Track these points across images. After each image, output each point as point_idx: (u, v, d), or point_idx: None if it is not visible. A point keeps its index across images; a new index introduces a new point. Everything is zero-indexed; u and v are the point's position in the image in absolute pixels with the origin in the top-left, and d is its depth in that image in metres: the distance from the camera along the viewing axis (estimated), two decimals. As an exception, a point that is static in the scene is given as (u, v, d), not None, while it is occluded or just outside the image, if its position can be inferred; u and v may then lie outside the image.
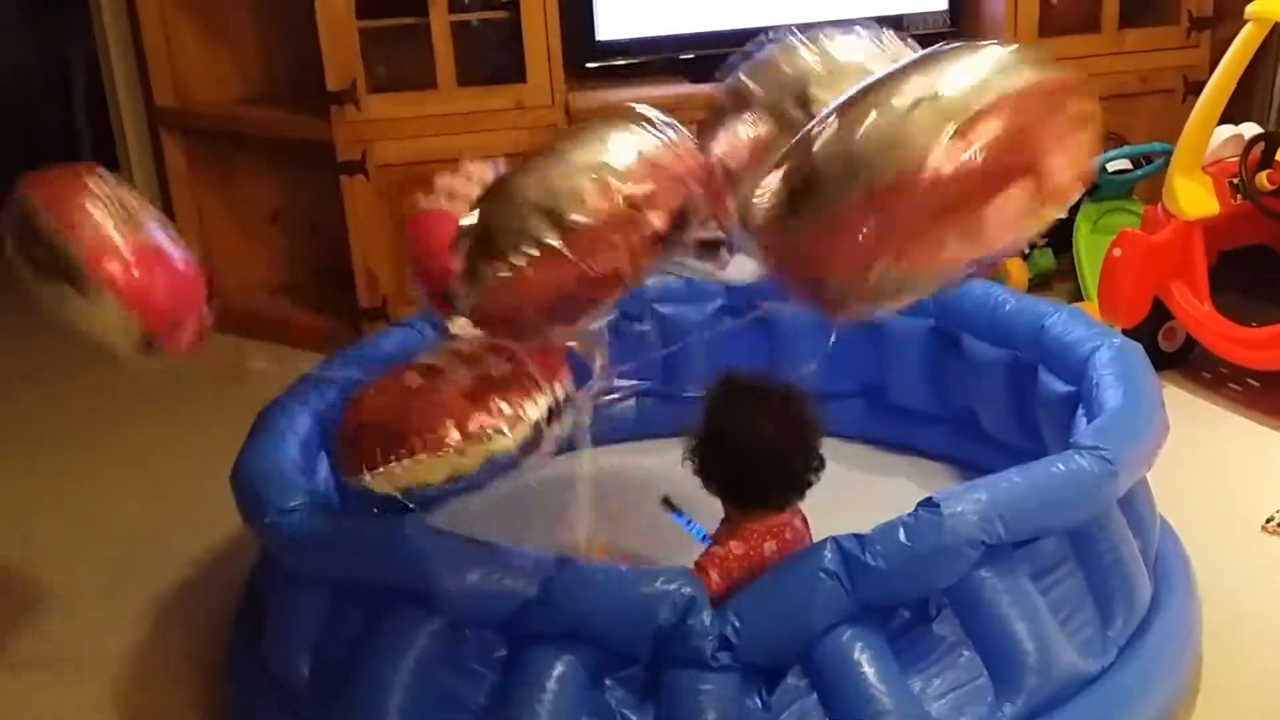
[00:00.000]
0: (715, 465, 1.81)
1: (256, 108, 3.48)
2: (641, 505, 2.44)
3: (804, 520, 1.85)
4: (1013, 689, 1.67)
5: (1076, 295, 3.31)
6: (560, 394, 1.80)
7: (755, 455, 1.77)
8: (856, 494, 2.37)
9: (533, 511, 2.49)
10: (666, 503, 2.02)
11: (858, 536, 1.66)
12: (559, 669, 1.64)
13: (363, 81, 3.15)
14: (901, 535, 1.66)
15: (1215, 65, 2.85)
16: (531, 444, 1.76)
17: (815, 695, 1.64)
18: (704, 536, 1.95)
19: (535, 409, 1.75)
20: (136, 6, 3.41)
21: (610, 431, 2.72)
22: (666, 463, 2.70)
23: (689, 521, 1.98)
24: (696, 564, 1.78)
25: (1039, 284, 3.45)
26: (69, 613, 2.32)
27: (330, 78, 3.13)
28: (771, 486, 1.79)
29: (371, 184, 3.22)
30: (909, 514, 1.69)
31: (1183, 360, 2.96)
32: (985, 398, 2.43)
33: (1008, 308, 2.36)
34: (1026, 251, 3.45)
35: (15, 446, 2.99)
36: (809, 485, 1.80)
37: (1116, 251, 2.84)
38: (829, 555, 1.65)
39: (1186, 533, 2.16)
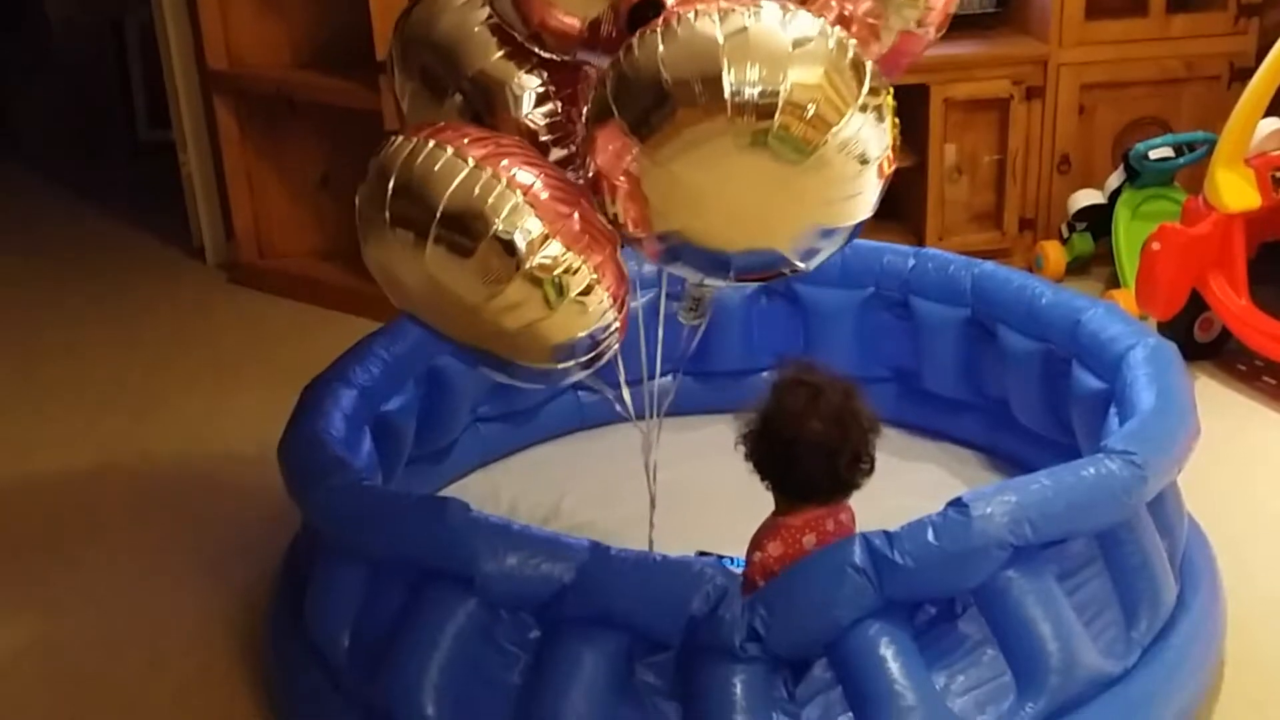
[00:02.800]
0: (765, 455, 1.84)
1: (307, 74, 3.51)
2: (678, 479, 2.49)
3: (851, 515, 1.88)
4: (1035, 688, 1.71)
5: (1114, 280, 3.32)
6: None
7: (803, 452, 1.79)
8: (886, 479, 2.36)
9: (569, 486, 2.56)
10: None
11: (887, 534, 1.69)
12: (591, 652, 1.69)
13: (411, 51, 3.17)
14: (930, 535, 1.68)
15: (1263, 53, 2.83)
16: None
17: (840, 688, 1.68)
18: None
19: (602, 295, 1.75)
20: (191, -31, 3.45)
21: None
22: (701, 439, 2.75)
23: (732, 560, 2.01)
24: (744, 576, 1.81)
25: (1077, 268, 3.45)
26: (114, 576, 2.38)
27: (380, 46, 3.16)
28: (817, 483, 1.82)
29: (417, 153, 3.25)
30: (938, 514, 1.72)
31: (1217, 351, 2.96)
32: (1018, 389, 2.45)
33: (1044, 300, 2.37)
34: (1065, 235, 3.45)
35: (66, 411, 3.05)
36: (856, 485, 1.83)
37: (1155, 245, 2.84)
38: (857, 552, 1.68)
39: (1213, 528, 2.18)
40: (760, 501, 1.95)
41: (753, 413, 1.85)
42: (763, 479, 1.85)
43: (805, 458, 1.80)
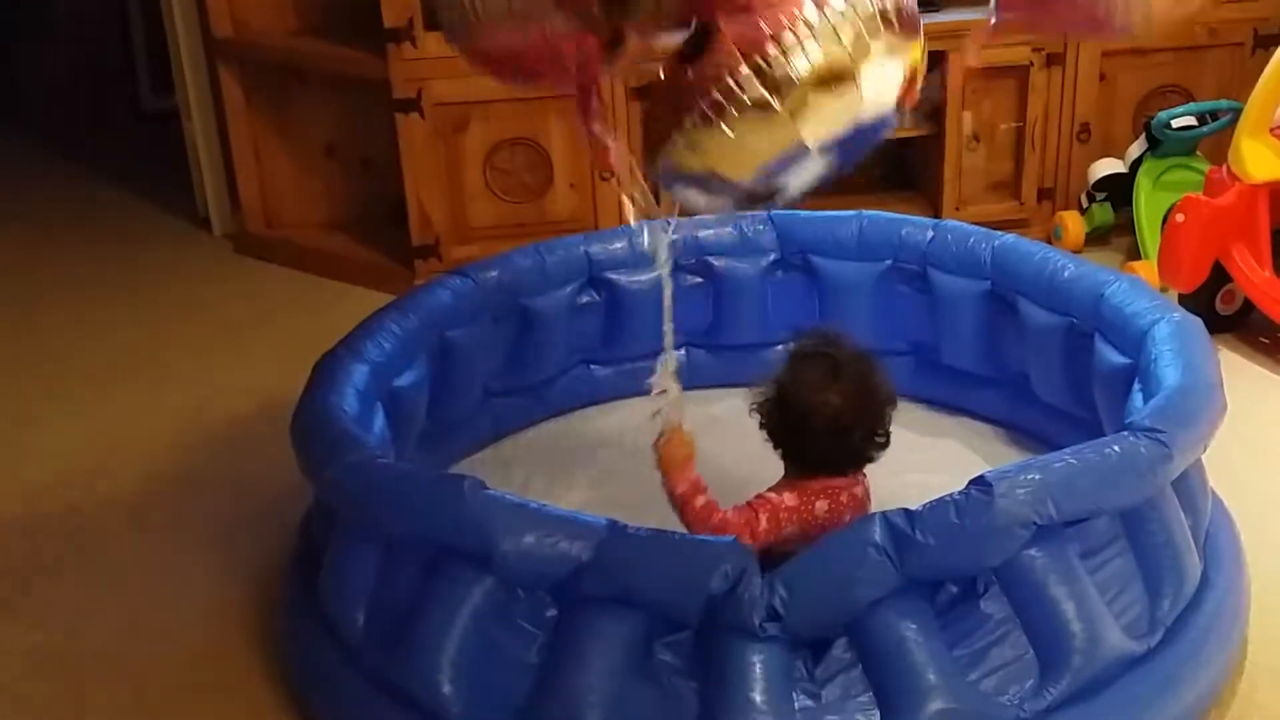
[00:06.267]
0: (779, 426, 1.82)
1: (313, 42, 3.46)
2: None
3: (865, 489, 1.87)
4: (1058, 668, 1.69)
5: (1134, 251, 3.28)
6: None
7: (818, 425, 1.78)
8: (904, 454, 2.34)
9: (582, 461, 2.54)
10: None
11: (908, 512, 1.67)
12: (608, 631, 1.67)
13: (420, 19, 3.13)
14: (952, 514, 1.66)
15: (1288, 18, 2.79)
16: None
17: (860, 668, 1.67)
18: None
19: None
20: (194, -64, 3.41)
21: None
22: (715, 413, 2.72)
23: None
24: (749, 504, 1.80)
25: (1096, 239, 3.41)
26: (125, 551, 2.36)
27: (387, 14, 3.12)
28: (831, 456, 1.81)
29: (427, 122, 3.22)
30: (960, 492, 1.69)
31: (1239, 323, 2.93)
32: (1039, 363, 2.42)
33: (1066, 274, 2.33)
34: (1084, 205, 3.41)
35: (72, 384, 3.03)
36: (869, 459, 1.82)
37: (1179, 217, 2.80)
38: (878, 530, 1.66)
39: (1234, 503, 2.15)
40: (774, 476, 1.94)
41: (770, 381, 1.83)
42: (776, 448, 1.84)
43: (820, 431, 1.78)
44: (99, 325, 3.31)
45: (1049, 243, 2.84)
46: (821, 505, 1.81)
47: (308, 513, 2.17)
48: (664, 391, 1.94)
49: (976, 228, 2.53)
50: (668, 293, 1.97)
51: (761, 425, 1.84)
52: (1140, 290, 2.23)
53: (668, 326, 1.97)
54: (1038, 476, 1.70)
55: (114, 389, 2.97)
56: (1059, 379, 2.39)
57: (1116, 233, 3.42)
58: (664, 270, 1.97)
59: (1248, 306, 2.90)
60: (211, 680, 2.03)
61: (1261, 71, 2.83)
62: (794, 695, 1.64)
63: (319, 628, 1.92)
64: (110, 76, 4.91)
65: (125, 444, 2.74)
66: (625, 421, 2.69)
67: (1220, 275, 2.86)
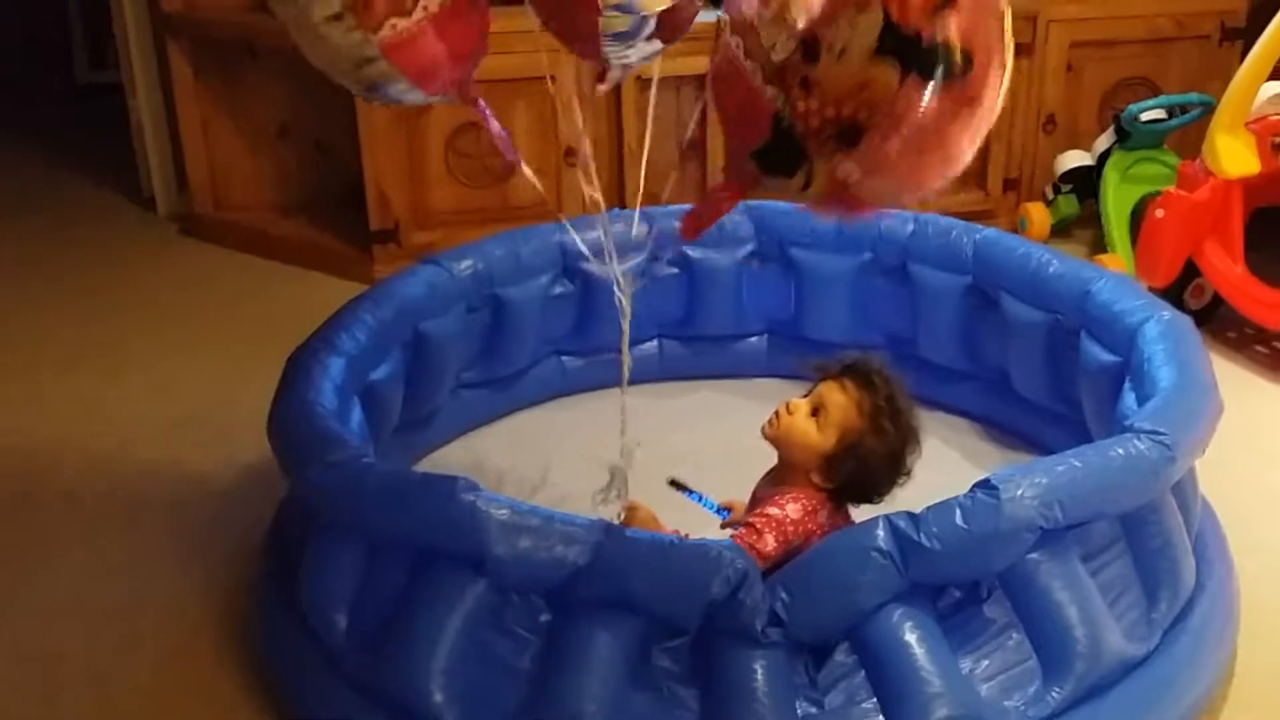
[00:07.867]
0: (840, 474, 1.80)
1: (266, 16, 3.33)
2: (662, 450, 2.42)
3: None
4: (1062, 673, 1.67)
5: (1098, 243, 3.28)
6: None
7: (883, 466, 1.79)
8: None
9: (554, 455, 2.48)
10: (674, 484, 1.99)
11: (912, 516, 1.64)
12: (605, 637, 1.62)
13: (381, -5, 3.03)
14: (958, 517, 1.63)
15: (1255, 12, 2.80)
16: None
17: (863, 674, 1.64)
18: (718, 510, 1.95)
19: None
20: (141, -95, 3.28)
21: (632, 373, 2.69)
22: (688, 405, 2.68)
23: (700, 498, 1.97)
24: (748, 525, 1.76)
25: (1061, 230, 3.41)
26: (86, 546, 2.27)
27: (347, -10, 3.02)
28: (880, 492, 1.81)
29: (387, 102, 3.13)
30: (966, 495, 1.67)
31: (1208, 318, 2.93)
32: (1020, 360, 2.40)
33: (1051, 270, 2.32)
34: (1050, 197, 3.41)
35: (15, 373, 2.91)
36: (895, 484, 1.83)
37: (1159, 213, 2.80)
38: (881, 534, 1.62)
39: (1213, 501, 2.13)
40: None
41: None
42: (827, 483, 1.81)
43: (885, 473, 1.80)
44: (36, 314, 3.17)
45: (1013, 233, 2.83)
46: (823, 513, 1.79)
47: (280, 506, 2.10)
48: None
49: (958, 221, 2.51)
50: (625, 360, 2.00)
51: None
52: (1126, 287, 2.23)
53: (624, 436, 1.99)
54: (1044, 480, 1.68)
55: (57, 381, 2.85)
56: (1040, 375, 2.37)
57: (1079, 224, 3.42)
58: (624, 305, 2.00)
59: (1216, 302, 2.91)
60: (181, 683, 1.95)
61: (1226, 64, 2.84)
62: (796, 703, 1.61)
63: (295, 628, 1.85)
64: (44, 48, 4.74)
65: (76, 440, 2.62)
66: (597, 413, 2.63)
67: (1189, 270, 2.87)
